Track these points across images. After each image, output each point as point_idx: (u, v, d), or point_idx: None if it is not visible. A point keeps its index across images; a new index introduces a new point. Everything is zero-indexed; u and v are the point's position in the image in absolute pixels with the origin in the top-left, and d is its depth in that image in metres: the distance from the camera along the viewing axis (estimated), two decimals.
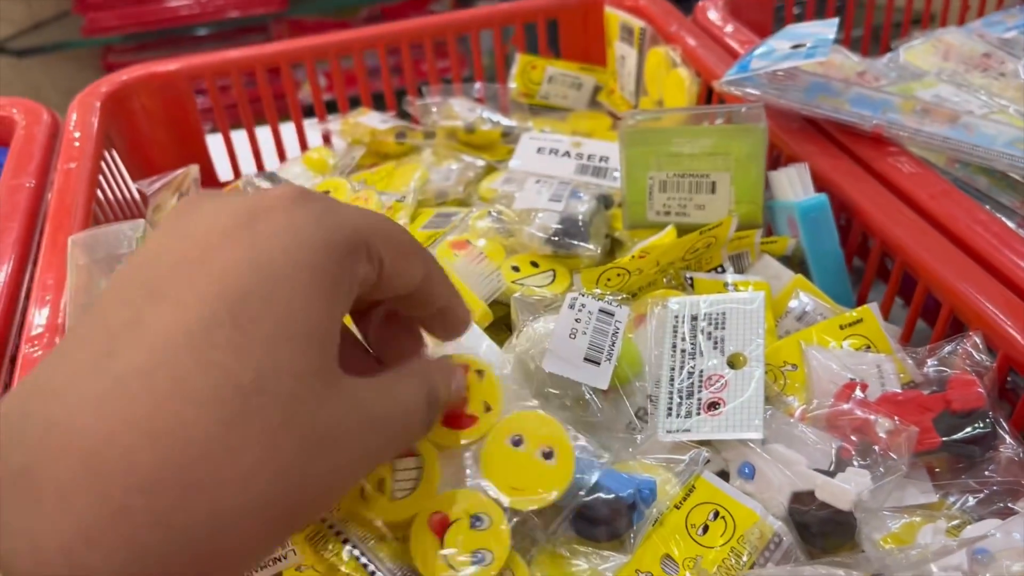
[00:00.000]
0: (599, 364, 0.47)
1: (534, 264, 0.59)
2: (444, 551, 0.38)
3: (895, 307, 0.57)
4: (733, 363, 0.48)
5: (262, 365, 0.26)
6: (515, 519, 0.40)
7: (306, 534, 0.39)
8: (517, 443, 0.42)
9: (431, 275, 0.36)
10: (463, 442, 0.42)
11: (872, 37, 0.94)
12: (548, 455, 0.41)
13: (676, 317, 0.51)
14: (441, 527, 0.38)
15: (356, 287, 0.32)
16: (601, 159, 0.69)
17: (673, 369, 0.49)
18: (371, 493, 0.40)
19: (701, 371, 0.48)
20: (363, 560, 0.37)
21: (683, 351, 0.50)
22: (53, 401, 0.25)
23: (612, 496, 0.42)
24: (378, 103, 0.82)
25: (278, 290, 0.28)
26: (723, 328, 0.49)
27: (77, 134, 0.67)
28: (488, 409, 0.42)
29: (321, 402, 0.28)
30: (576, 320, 0.47)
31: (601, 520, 0.42)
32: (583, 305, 0.48)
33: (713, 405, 0.47)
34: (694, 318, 0.50)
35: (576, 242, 0.58)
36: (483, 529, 0.38)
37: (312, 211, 0.30)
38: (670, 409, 0.48)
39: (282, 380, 0.27)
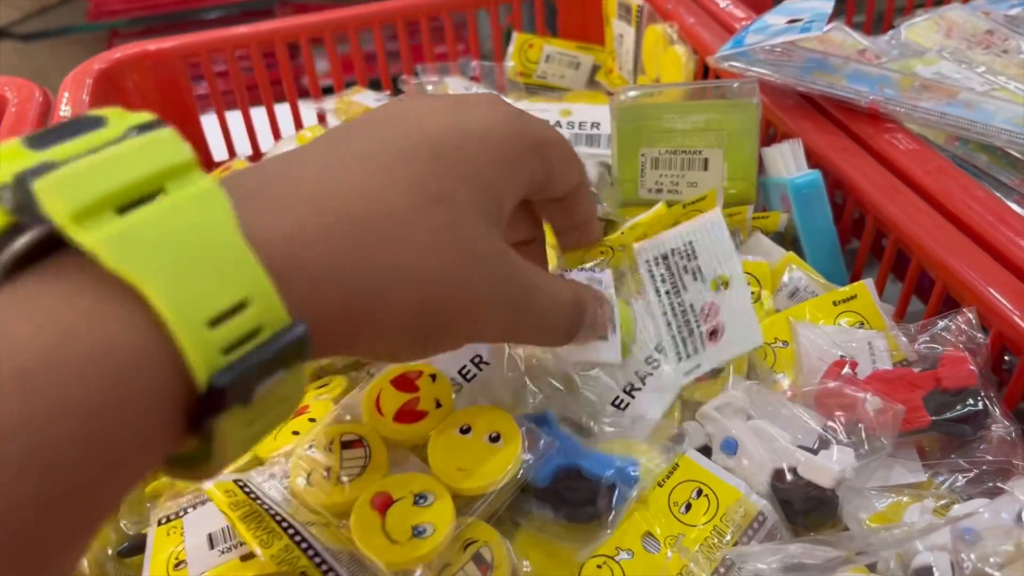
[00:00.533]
0: (606, 338, 0.47)
1: None
2: (384, 526, 0.37)
3: (890, 286, 0.56)
4: (715, 287, 0.48)
5: (444, 187, 0.32)
6: (484, 503, 0.40)
7: (243, 516, 0.38)
8: (466, 431, 0.42)
9: (581, 186, 0.42)
10: (413, 435, 0.42)
11: (876, 20, 0.93)
12: (495, 439, 0.41)
13: (647, 262, 0.50)
14: (384, 505, 0.38)
15: (531, 179, 0.37)
16: (592, 125, 0.68)
17: (666, 314, 0.49)
18: (317, 479, 0.40)
19: (691, 304, 0.48)
20: (304, 545, 0.37)
21: (667, 292, 0.49)
22: (291, 161, 0.31)
23: (593, 479, 0.41)
24: (374, 87, 0.81)
25: (472, 150, 0.34)
26: (695, 257, 0.49)
27: (68, 110, 0.67)
28: (439, 405, 0.43)
29: (485, 239, 0.34)
30: None
31: (581, 502, 0.41)
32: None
33: (713, 333, 0.47)
34: (665, 257, 0.49)
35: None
36: (426, 505, 0.38)
37: (508, 110, 0.37)
38: (679, 353, 0.48)
39: (457, 204, 0.33)
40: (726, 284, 0.47)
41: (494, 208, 0.35)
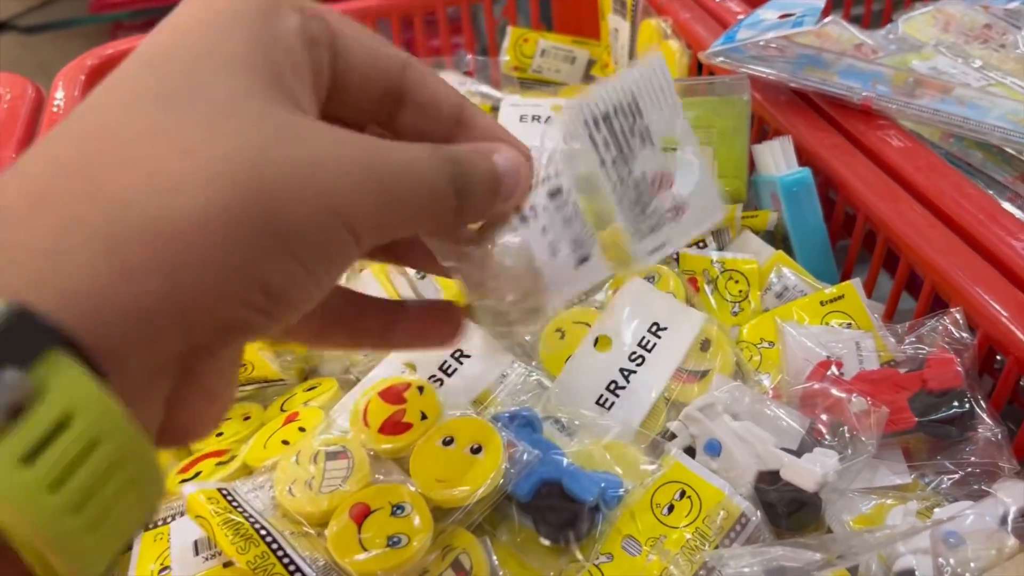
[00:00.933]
0: (589, 258, 0.36)
1: None
2: (360, 535, 0.37)
3: (882, 284, 0.56)
4: (665, 151, 0.39)
5: (192, 79, 0.24)
6: (462, 513, 0.40)
7: (222, 523, 0.38)
8: (448, 443, 0.42)
9: (411, 66, 0.31)
10: (396, 447, 0.42)
11: (876, 14, 0.92)
12: (476, 450, 0.41)
13: (587, 123, 0.37)
14: (361, 516, 0.38)
15: (297, 37, 0.27)
16: None
17: (616, 187, 0.37)
18: (300, 489, 0.40)
19: (643, 174, 0.37)
20: (280, 552, 0.37)
21: (614, 161, 0.37)
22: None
23: (575, 499, 0.41)
24: None
25: (204, 30, 0.26)
26: (640, 115, 0.38)
27: (60, 106, 0.67)
28: (424, 417, 0.43)
29: (271, 111, 0.25)
30: (543, 231, 0.35)
31: (561, 523, 0.41)
32: (532, 207, 0.34)
33: (676, 209, 0.38)
34: (606, 118, 0.37)
35: None
36: (403, 516, 0.38)
37: None
38: (639, 230, 0.37)
39: (213, 91, 0.24)
40: (675, 147, 0.39)
41: (253, 75, 0.25)
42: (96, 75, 0.72)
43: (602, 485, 0.41)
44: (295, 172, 0.23)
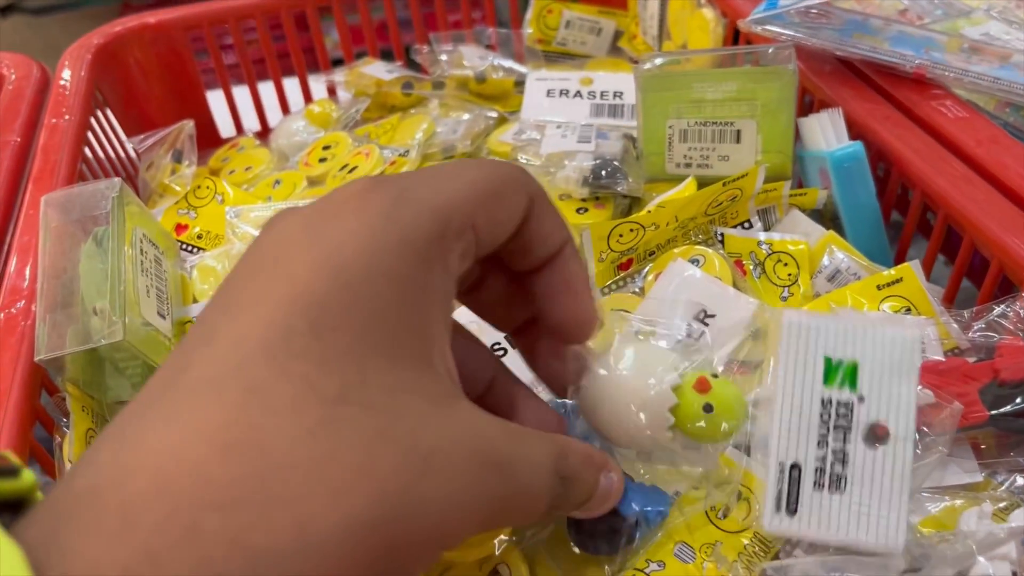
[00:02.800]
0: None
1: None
2: None
3: (938, 265, 0.52)
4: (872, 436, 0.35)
5: (347, 377, 0.24)
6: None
7: None
8: None
9: (535, 205, 0.31)
10: None
11: None
12: None
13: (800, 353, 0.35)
14: None
15: (452, 280, 0.28)
16: (615, 95, 0.64)
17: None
18: None
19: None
20: None
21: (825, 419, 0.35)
22: (127, 423, 0.23)
23: (615, 513, 0.37)
24: (386, 58, 0.78)
25: (357, 299, 0.25)
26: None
27: (65, 86, 0.64)
28: None
29: (425, 420, 0.25)
30: None
31: (597, 534, 0.38)
32: None
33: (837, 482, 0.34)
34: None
35: (617, 178, 0.56)
36: None
37: (382, 207, 0.26)
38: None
39: (371, 392, 0.24)
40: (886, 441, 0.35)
41: (415, 361, 0.26)
42: (103, 55, 0.69)
43: (647, 508, 0.37)
44: (427, 523, 0.24)
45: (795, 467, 0.34)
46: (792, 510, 0.34)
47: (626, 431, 0.35)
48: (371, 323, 0.25)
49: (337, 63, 0.77)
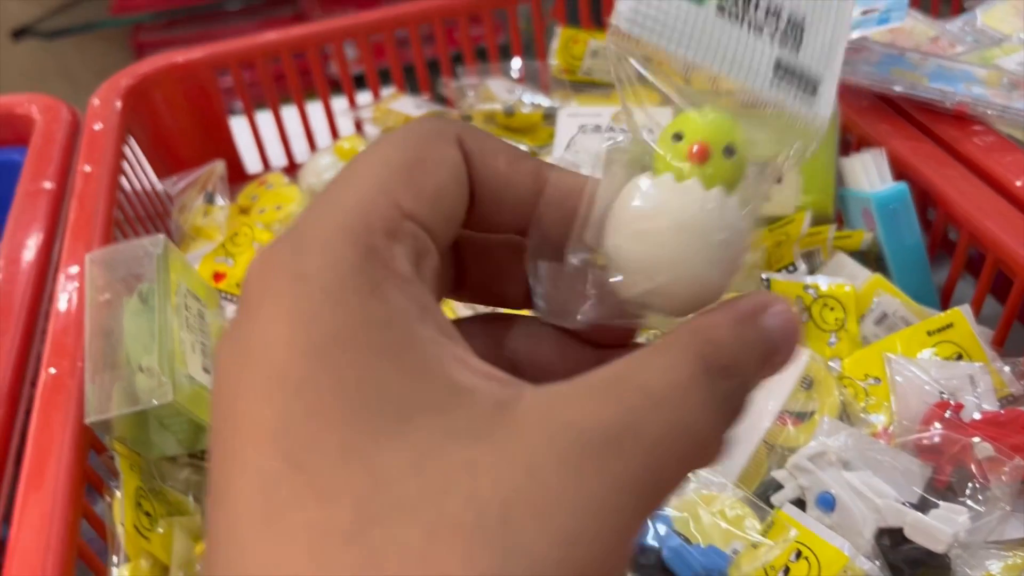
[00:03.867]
0: None
1: None
2: None
3: (987, 304, 0.52)
4: None
5: (357, 492, 0.19)
6: None
7: None
8: None
9: (470, 148, 0.24)
10: None
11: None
12: None
13: None
14: None
15: (419, 287, 0.21)
16: (647, 130, 0.64)
17: None
18: None
19: None
20: None
21: None
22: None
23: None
24: (408, 75, 0.77)
25: (330, 381, 0.20)
26: None
27: (98, 127, 0.64)
28: None
29: (472, 463, 0.19)
30: None
31: None
32: None
33: None
34: None
35: None
36: None
37: (288, 272, 0.21)
38: None
39: (384, 486, 0.19)
40: None
41: (425, 385, 0.20)
42: (131, 96, 0.68)
43: (707, 570, 0.37)
44: None
45: None
46: None
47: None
48: (352, 401, 0.19)
49: (359, 81, 0.76)
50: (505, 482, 0.18)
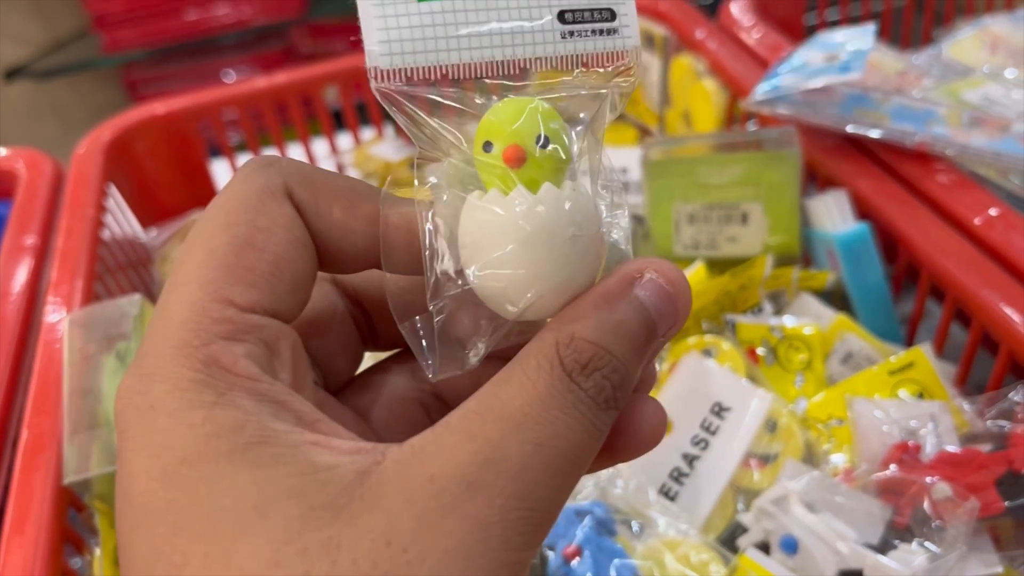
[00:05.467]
0: None
1: None
2: None
3: (954, 335, 0.52)
4: None
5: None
6: None
7: None
8: None
9: (301, 199, 0.22)
10: None
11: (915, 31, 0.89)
12: None
13: None
14: None
15: (274, 383, 0.21)
16: (621, 171, 0.65)
17: None
18: None
19: None
20: None
21: None
22: None
23: None
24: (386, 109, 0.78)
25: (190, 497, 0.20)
26: None
27: (79, 186, 0.65)
28: None
29: (330, 538, 0.19)
30: None
31: None
32: None
33: None
34: None
35: None
36: None
37: (144, 401, 0.21)
38: None
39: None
40: None
41: (281, 476, 0.19)
42: (114, 148, 0.70)
43: None
44: None
45: None
46: None
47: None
48: (208, 512, 0.19)
49: (338, 117, 0.78)
50: (365, 557, 0.18)
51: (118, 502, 0.20)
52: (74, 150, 0.69)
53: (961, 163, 0.55)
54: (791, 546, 0.42)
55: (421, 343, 0.23)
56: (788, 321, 0.51)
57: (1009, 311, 0.46)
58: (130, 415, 0.20)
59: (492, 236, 0.21)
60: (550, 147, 0.21)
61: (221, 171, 0.78)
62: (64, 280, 0.56)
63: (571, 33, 0.23)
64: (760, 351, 0.50)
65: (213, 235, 0.21)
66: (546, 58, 0.23)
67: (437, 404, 0.26)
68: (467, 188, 0.22)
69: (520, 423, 0.19)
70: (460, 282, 0.22)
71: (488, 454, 0.19)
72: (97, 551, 0.45)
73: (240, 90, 0.74)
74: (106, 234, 0.64)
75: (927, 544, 0.41)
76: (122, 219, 0.69)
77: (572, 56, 0.23)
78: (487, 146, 0.22)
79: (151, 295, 0.68)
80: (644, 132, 0.77)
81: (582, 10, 0.23)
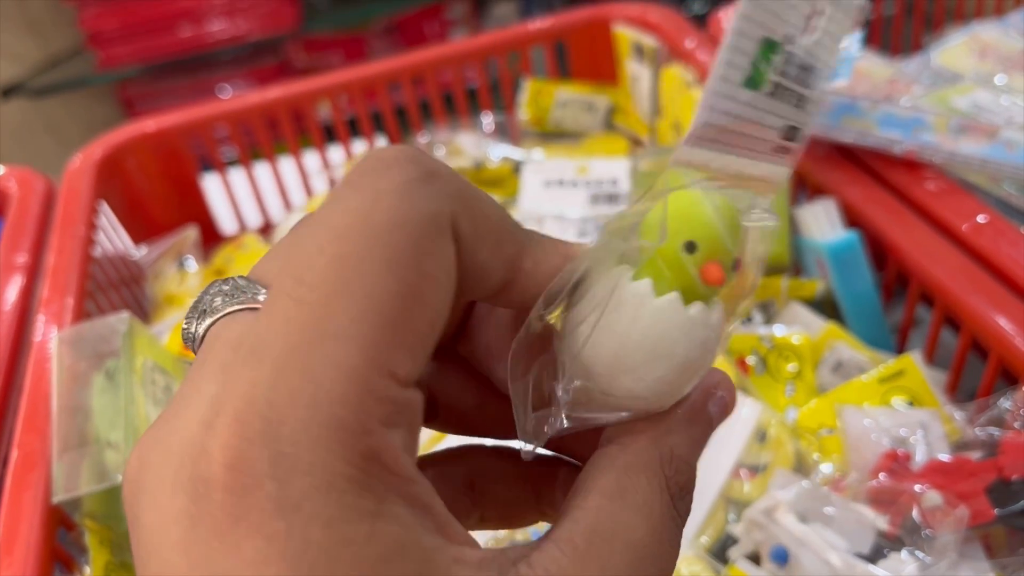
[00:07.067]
0: None
1: None
2: None
3: (945, 341, 0.52)
4: None
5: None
6: None
7: None
8: None
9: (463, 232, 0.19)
10: None
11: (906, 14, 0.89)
12: None
13: None
14: None
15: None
16: (611, 183, 0.65)
17: None
18: None
19: None
20: None
21: None
22: None
23: None
24: (378, 123, 0.78)
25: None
26: None
27: (70, 203, 0.65)
28: None
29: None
30: None
31: None
32: None
33: None
34: None
35: None
36: None
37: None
38: None
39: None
40: None
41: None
42: (105, 166, 0.70)
43: None
44: None
45: None
46: None
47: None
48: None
49: (329, 131, 0.78)
50: None
51: None
52: (70, 162, 0.69)
53: (950, 170, 0.55)
54: (782, 557, 0.42)
55: (526, 406, 0.21)
56: (778, 330, 0.51)
57: (998, 318, 0.46)
58: (264, 505, 0.16)
59: (639, 327, 0.20)
60: (735, 275, 0.21)
61: (213, 187, 0.78)
62: (55, 298, 0.56)
63: (782, 149, 0.22)
64: (750, 361, 0.50)
65: (376, 277, 0.17)
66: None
67: (429, 408, 0.24)
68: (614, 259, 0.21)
69: (643, 556, 0.20)
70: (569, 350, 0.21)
71: None
72: (87, 570, 0.45)
73: (231, 106, 0.75)
74: (97, 251, 0.64)
75: (918, 553, 0.40)
76: (114, 236, 0.69)
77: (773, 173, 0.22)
78: (690, 247, 0.20)
79: (143, 312, 0.68)
80: (635, 143, 0.77)
81: (797, 128, 0.22)
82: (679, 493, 0.21)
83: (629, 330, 0.20)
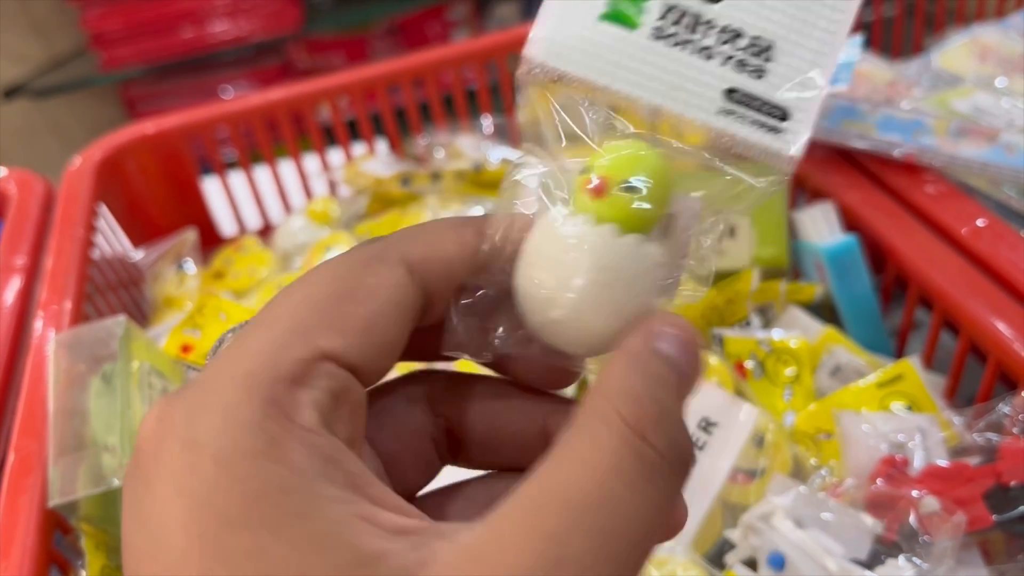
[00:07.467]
0: None
1: None
2: None
3: (944, 344, 0.52)
4: None
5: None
6: None
7: None
8: None
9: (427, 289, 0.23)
10: None
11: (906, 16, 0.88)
12: None
13: None
14: None
15: (333, 444, 0.20)
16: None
17: None
18: None
19: None
20: None
21: None
22: None
23: None
24: (378, 125, 0.78)
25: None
26: None
27: (69, 206, 0.65)
28: None
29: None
30: None
31: None
32: None
33: None
34: None
35: None
36: None
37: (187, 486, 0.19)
38: None
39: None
40: None
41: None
42: (105, 168, 0.70)
43: None
44: None
45: None
46: None
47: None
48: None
49: (329, 132, 0.77)
50: None
51: (137, 537, 0.19)
52: (69, 165, 0.69)
53: (950, 173, 0.55)
54: (779, 562, 0.42)
55: (456, 319, 0.23)
56: (776, 334, 0.51)
57: (997, 323, 0.46)
58: (170, 444, 0.19)
59: (549, 245, 0.22)
60: (637, 194, 0.22)
61: (213, 189, 0.78)
62: (53, 300, 0.56)
63: (730, 112, 0.23)
64: (748, 365, 0.50)
65: (313, 285, 0.21)
66: (692, 121, 0.23)
67: (447, 440, 0.25)
68: (555, 198, 0.23)
69: (584, 511, 0.18)
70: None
71: (554, 553, 0.17)
72: (83, 574, 0.45)
73: (230, 108, 0.74)
74: (96, 254, 0.64)
75: (915, 559, 0.40)
76: (113, 238, 0.69)
77: (720, 133, 0.23)
78: (586, 170, 0.22)
79: (142, 315, 0.68)
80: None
81: (753, 96, 0.23)
82: (652, 428, 0.19)
83: (539, 250, 0.22)
